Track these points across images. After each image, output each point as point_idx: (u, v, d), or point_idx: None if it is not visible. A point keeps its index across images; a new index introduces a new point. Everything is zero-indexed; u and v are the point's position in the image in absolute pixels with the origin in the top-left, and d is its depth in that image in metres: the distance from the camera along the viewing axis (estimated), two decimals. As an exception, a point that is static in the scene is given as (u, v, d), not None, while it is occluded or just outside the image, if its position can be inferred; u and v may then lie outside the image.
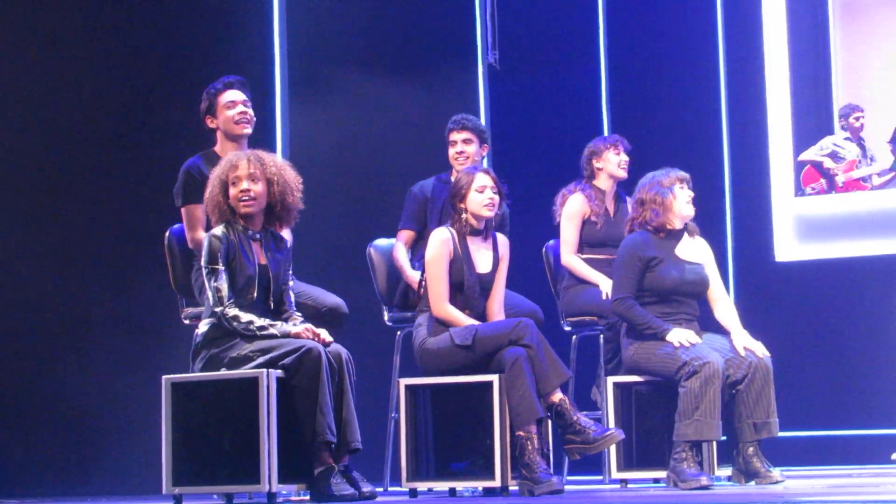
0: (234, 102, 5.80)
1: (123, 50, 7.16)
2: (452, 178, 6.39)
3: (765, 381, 5.62)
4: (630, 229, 5.92)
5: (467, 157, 6.39)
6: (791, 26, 8.35)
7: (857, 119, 8.19)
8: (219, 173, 5.19)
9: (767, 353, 5.67)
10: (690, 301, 5.83)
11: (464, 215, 5.58)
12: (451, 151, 6.43)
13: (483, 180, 5.58)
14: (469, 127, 6.42)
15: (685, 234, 5.88)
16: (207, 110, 5.84)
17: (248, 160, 5.18)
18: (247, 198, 5.14)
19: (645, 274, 5.77)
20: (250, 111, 5.84)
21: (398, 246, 6.37)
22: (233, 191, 5.16)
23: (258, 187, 5.16)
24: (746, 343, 5.68)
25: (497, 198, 5.59)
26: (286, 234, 5.78)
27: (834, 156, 8.17)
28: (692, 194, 5.86)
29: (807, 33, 8.34)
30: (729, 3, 8.46)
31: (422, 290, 5.64)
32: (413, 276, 6.16)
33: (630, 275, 5.76)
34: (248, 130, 5.82)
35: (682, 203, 5.81)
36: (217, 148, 5.81)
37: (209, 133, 5.87)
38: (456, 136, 6.42)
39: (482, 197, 5.56)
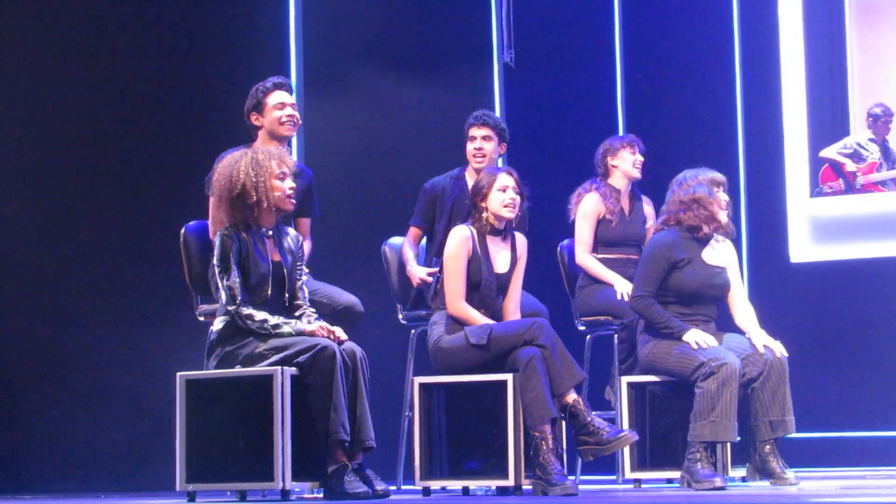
0: (283, 104, 5.79)
1: (139, 48, 7.18)
2: (467, 175, 6.39)
3: (780, 378, 5.63)
4: (660, 227, 5.90)
5: (485, 155, 6.34)
6: (807, 26, 8.32)
7: (885, 122, 8.14)
8: (259, 165, 5.11)
9: (785, 354, 5.68)
10: (710, 304, 5.83)
11: (484, 214, 5.58)
12: (470, 147, 6.38)
13: (505, 180, 5.57)
14: (490, 124, 6.36)
15: (713, 237, 5.87)
16: (254, 107, 5.80)
17: (289, 157, 5.22)
18: (294, 194, 5.18)
19: (671, 274, 5.76)
20: (297, 114, 5.84)
21: (404, 241, 6.38)
22: (280, 184, 5.12)
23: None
24: (766, 341, 5.68)
25: (518, 198, 5.58)
26: (305, 245, 5.79)
27: (856, 156, 8.13)
28: (727, 198, 5.84)
29: (823, 33, 8.31)
30: (745, 3, 8.43)
31: (437, 286, 5.64)
32: (415, 270, 6.17)
33: (654, 273, 5.75)
34: (293, 133, 5.84)
35: (719, 208, 5.82)
36: (257, 144, 5.74)
37: (252, 130, 5.81)
38: (476, 131, 6.36)
39: (504, 197, 5.56)
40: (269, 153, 5.18)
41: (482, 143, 6.34)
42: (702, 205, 5.78)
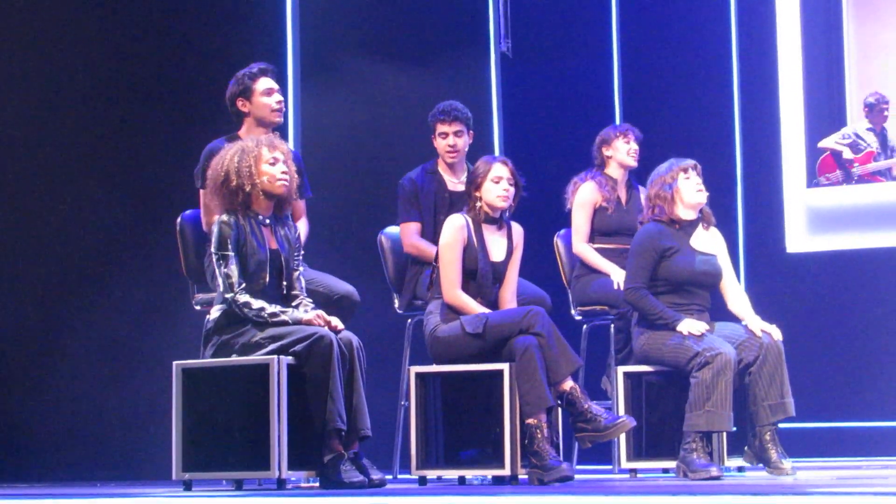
0: (271, 90, 5.74)
1: (136, 37, 7.16)
2: (440, 169, 6.34)
3: (777, 361, 5.63)
4: (645, 220, 5.92)
5: (458, 150, 6.28)
6: (804, 17, 8.32)
7: (881, 111, 8.13)
8: (244, 152, 5.12)
9: (781, 337, 5.69)
10: (703, 292, 5.83)
11: (478, 203, 5.57)
12: (442, 144, 6.26)
13: (500, 171, 5.55)
14: (460, 118, 6.26)
15: (700, 225, 5.87)
16: (241, 94, 5.73)
17: (281, 142, 5.21)
18: (287, 178, 5.14)
19: (660, 263, 5.77)
20: (282, 100, 5.81)
21: (414, 237, 6.25)
22: (270, 169, 5.13)
23: (291, 168, 5.19)
24: (763, 325, 5.69)
25: (513, 189, 5.57)
26: (303, 225, 5.78)
27: (854, 146, 8.13)
28: (700, 180, 5.82)
29: (820, 24, 8.31)
30: (742, -7, 8.44)
31: (433, 276, 5.64)
32: None
33: (644, 264, 5.76)
34: (281, 120, 5.80)
35: (689, 193, 5.79)
36: (243, 132, 5.72)
37: (236, 117, 5.76)
38: (447, 128, 6.26)
39: (497, 188, 5.54)
40: (259, 140, 5.20)
41: (455, 140, 6.27)
42: (658, 199, 5.79)
